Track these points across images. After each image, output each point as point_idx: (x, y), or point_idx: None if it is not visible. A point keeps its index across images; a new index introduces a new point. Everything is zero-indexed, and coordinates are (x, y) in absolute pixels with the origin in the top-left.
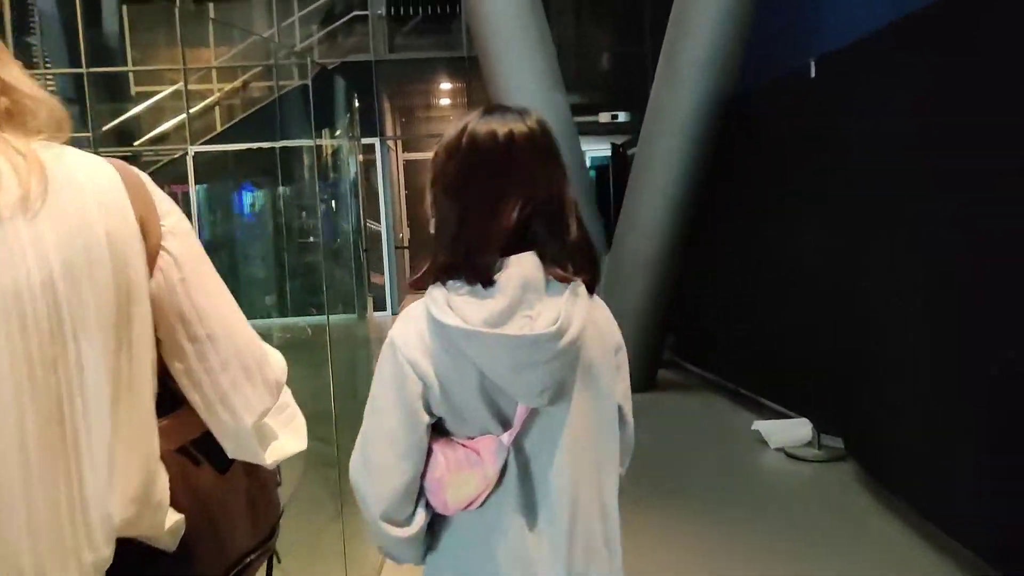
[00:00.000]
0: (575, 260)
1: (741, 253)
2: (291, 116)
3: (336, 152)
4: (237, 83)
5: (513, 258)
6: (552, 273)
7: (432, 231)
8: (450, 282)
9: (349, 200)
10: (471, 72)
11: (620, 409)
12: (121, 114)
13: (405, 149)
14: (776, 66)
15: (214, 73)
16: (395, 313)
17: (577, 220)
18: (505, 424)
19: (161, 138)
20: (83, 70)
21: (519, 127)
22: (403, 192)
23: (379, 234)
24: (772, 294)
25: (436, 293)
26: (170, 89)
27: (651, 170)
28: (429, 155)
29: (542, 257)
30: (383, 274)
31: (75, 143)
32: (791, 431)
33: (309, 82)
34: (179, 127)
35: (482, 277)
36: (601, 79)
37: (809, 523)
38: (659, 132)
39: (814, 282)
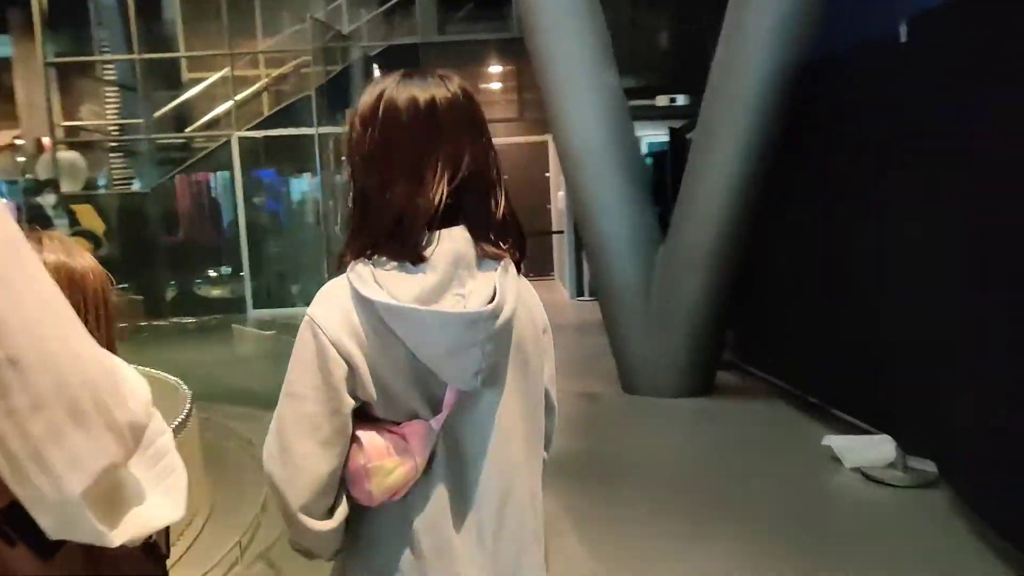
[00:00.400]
0: (505, 236)
1: (813, 243)
2: (327, 102)
3: None
4: (285, 68)
5: (443, 232)
6: (483, 249)
7: (350, 207)
8: (375, 256)
9: None
10: (521, 55)
11: (546, 393)
12: (174, 100)
13: None
14: (858, 30)
15: (261, 59)
16: None
17: (505, 194)
18: (435, 408)
19: (211, 124)
20: (135, 56)
21: (441, 92)
22: None
23: None
24: (848, 290)
25: (360, 268)
26: (216, 76)
27: (712, 152)
28: None
29: (472, 232)
30: None
31: (131, 130)
32: (870, 449)
33: (312, 67)
34: (227, 112)
35: (412, 254)
36: (658, 60)
37: (892, 559)
38: (721, 109)
39: (898, 278)
